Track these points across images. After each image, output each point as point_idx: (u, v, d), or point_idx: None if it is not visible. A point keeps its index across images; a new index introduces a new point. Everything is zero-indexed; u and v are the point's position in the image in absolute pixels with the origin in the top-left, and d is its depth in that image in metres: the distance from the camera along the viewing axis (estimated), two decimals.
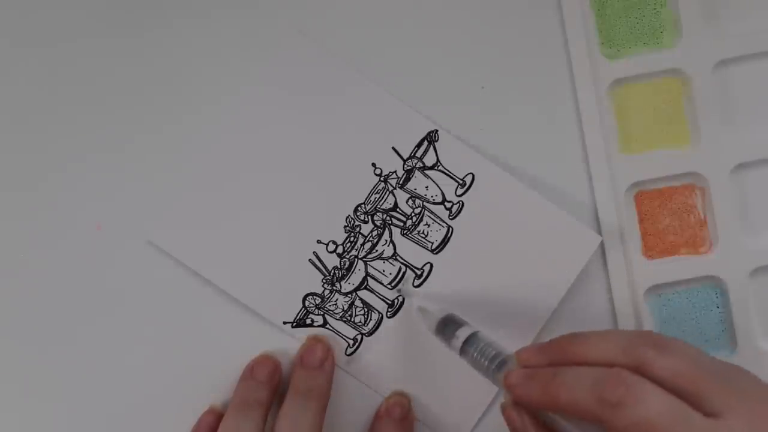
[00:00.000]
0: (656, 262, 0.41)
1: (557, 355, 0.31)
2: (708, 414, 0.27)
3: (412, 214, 0.41)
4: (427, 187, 0.41)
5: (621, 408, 0.27)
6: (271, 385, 0.39)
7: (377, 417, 0.40)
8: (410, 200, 0.41)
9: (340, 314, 0.41)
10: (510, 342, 0.40)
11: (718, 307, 0.41)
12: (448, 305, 0.39)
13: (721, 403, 0.27)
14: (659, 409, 0.27)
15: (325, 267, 0.41)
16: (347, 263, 0.41)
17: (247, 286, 0.41)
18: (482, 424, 0.41)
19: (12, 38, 0.42)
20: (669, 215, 0.41)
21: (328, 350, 0.40)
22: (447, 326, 0.37)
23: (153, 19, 0.41)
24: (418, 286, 0.41)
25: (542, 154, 0.41)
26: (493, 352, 0.34)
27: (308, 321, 0.41)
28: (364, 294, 0.41)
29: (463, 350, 0.35)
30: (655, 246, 0.41)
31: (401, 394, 0.41)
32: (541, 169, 0.41)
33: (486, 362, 0.34)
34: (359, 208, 0.41)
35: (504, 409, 0.32)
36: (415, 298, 0.40)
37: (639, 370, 0.28)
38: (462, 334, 0.35)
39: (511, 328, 0.41)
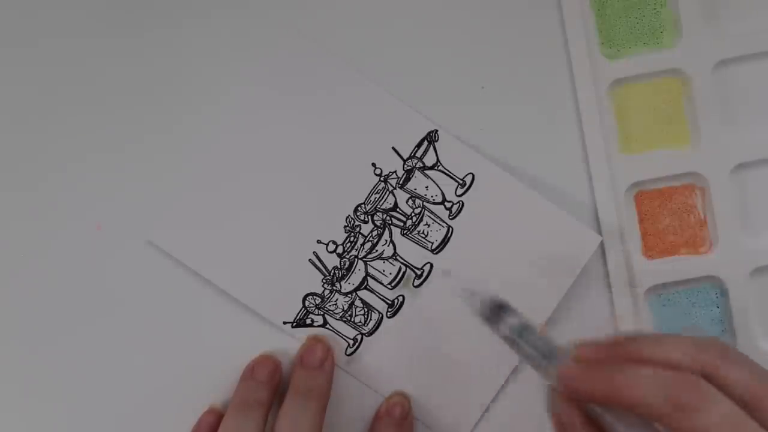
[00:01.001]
0: (656, 262, 0.41)
1: (618, 353, 0.31)
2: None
3: (412, 214, 0.41)
4: (427, 187, 0.41)
5: (690, 413, 0.27)
6: (271, 385, 0.39)
7: (377, 417, 0.40)
8: (410, 200, 0.41)
9: (340, 314, 0.41)
10: None
11: (718, 307, 0.41)
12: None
13: None
14: (725, 420, 0.27)
15: (325, 267, 0.41)
16: (347, 263, 0.41)
17: (247, 286, 0.41)
18: (482, 424, 0.41)
19: (12, 38, 0.42)
20: (669, 215, 0.41)
21: (328, 350, 0.40)
22: (495, 312, 0.35)
23: (152, 19, 0.41)
24: (418, 286, 0.41)
25: (542, 154, 0.41)
26: (542, 343, 0.33)
27: (308, 321, 0.41)
28: (364, 294, 0.41)
29: (510, 339, 0.34)
30: (655, 246, 0.41)
31: (401, 395, 0.41)
32: (541, 169, 0.41)
33: (534, 352, 0.33)
34: (359, 208, 0.41)
35: (552, 401, 0.31)
36: (458, 280, 0.40)
37: (704, 377, 0.28)
38: (512, 321, 0.34)
39: None
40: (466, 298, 0.37)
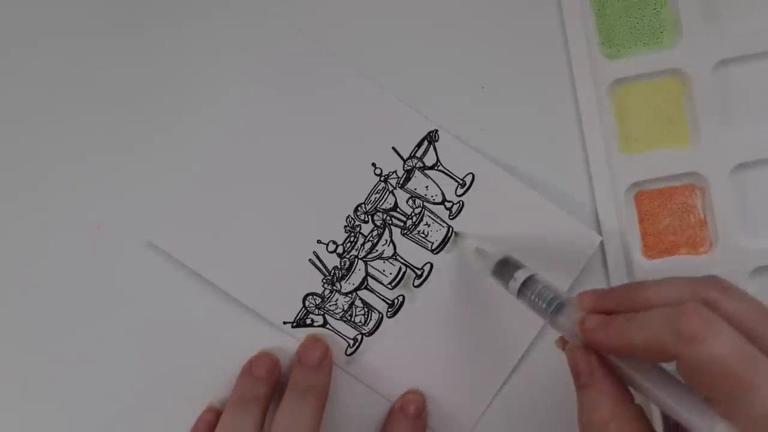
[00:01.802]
0: (656, 262, 0.41)
1: (622, 299, 0.31)
2: None
3: (412, 214, 0.41)
4: (427, 187, 0.41)
5: (696, 342, 0.27)
6: (269, 382, 0.40)
7: (391, 413, 0.40)
8: (410, 200, 0.41)
9: (340, 314, 0.41)
10: (510, 341, 0.41)
11: None
12: (456, 294, 0.40)
13: None
14: (732, 347, 0.27)
15: (325, 267, 0.41)
16: (347, 263, 0.41)
17: (247, 286, 0.41)
18: (483, 423, 0.41)
19: (12, 38, 0.42)
20: (669, 215, 0.41)
21: (326, 349, 0.40)
22: (505, 267, 0.36)
23: (152, 19, 0.41)
24: (418, 286, 0.41)
25: (542, 154, 0.41)
26: (551, 295, 0.33)
27: (308, 321, 0.41)
28: (364, 294, 0.41)
29: (520, 292, 0.35)
30: (655, 246, 0.41)
31: (416, 392, 0.41)
32: (541, 169, 0.41)
33: (544, 305, 0.33)
34: (359, 208, 0.41)
35: (572, 353, 0.31)
36: (471, 240, 0.40)
37: None
38: (520, 276, 0.35)
39: (510, 328, 0.41)
40: (478, 258, 0.38)
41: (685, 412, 0.28)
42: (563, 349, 0.33)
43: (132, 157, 0.41)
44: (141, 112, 0.41)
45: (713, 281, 0.30)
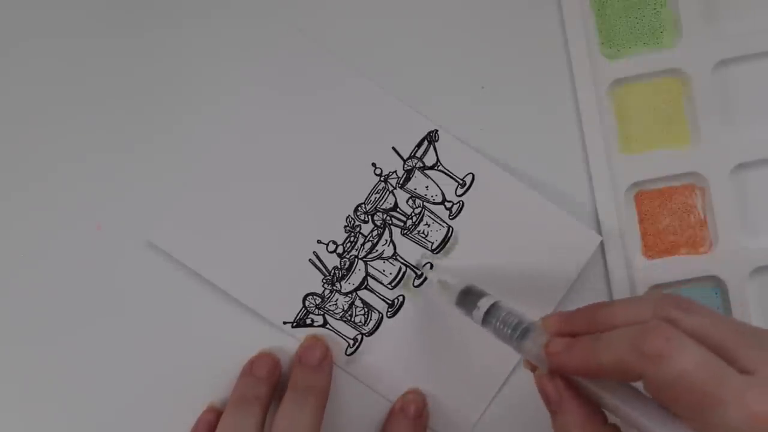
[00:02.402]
0: (656, 262, 0.41)
1: (585, 321, 0.31)
2: (741, 371, 0.27)
3: (412, 214, 0.41)
4: (427, 187, 0.41)
5: (661, 360, 0.27)
6: (270, 382, 0.40)
7: (392, 413, 0.40)
8: (410, 200, 0.41)
9: (340, 314, 0.41)
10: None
11: (718, 307, 0.41)
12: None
13: (754, 358, 0.27)
14: (698, 362, 0.27)
15: (325, 267, 0.41)
16: (347, 263, 0.41)
17: (247, 286, 0.41)
18: (482, 422, 0.41)
19: (12, 38, 0.42)
20: (669, 215, 0.41)
21: (327, 350, 0.40)
22: (467, 297, 0.36)
23: (152, 19, 0.41)
24: (418, 286, 0.41)
25: (542, 154, 0.41)
26: (516, 320, 0.33)
27: (308, 321, 0.41)
28: (364, 294, 0.41)
29: (485, 320, 0.35)
30: (655, 246, 0.41)
31: (416, 392, 0.41)
32: (541, 169, 0.41)
33: (509, 331, 0.33)
34: (359, 208, 0.41)
35: (539, 379, 0.32)
36: (435, 272, 0.40)
37: None
38: (483, 304, 0.35)
39: None
40: (441, 289, 0.39)
41: (656, 428, 0.28)
42: (532, 371, 0.33)
43: (132, 157, 0.41)
44: (141, 112, 0.41)
45: (674, 299, 0.30)
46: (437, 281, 0.40)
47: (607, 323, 0.30)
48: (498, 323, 0.34)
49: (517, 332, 0.33)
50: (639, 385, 0.29)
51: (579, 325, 0.31)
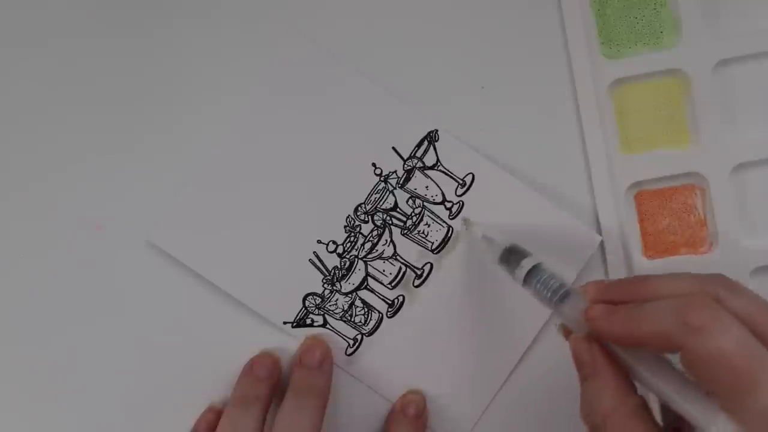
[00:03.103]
0: (656, 262, 0.41)
1: (628, 291, 0.31)
2: None
3: (412, 214, 0.41)
4: (427, 187, 0.41)
5: (703, 333, 0.27)
6: (270, 382, 0.40)
7: (392, 414, 0.41)
8: (410, 200, 0.41)
9: (340, 314, 0.41)
10: (510, 341, 0.41)
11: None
12: (455, 294, 0.40)
13: None
14: (739, 342, 0.26)
15: (325, 267, 0.41)
16: (347, 263, 0.41)
17: (247, 286, 0.41)
18: (483, 422, 0.41)
19: (11, 38, 0.42)
20: (669, 215, 0.41)
21: (327, 350, 0.40)
22: (512, 255, 0.36)
23: (152, 19, 0.41)
24: (418, 286, 0.41)
25: (542, 154, 0.41)
26: (557, 284, 0.33)
27: (308, 321, 0.41)
28: (364, 294, 0.41)
29: (526, 280, 0.35)
30: (655, 246, 0.41)
31: (416, 393, 0.41)
32: (541, 169, 0.41)
33: (549, 293, 0.33)
34: (359, 208, 0.41)
35: (574, 342, 0.31)
36: (477, 227, 0.40)
37: None
38: (526, 264, 0.35)
39: (510, 328, 0.41)
40: (485, 245, 0.39)
41: (686, 403, 0.28)
42: (566, 337, 0.33)
43: (132, 157, 0.41)
44: (141, 112, 0.41)
45: (720, 278, 0.30)
46: (482, 236, 0.39)
47: (651, 294, 0.30)
48: (538, 285, 0.34)
49: (557, 296, 0.33)
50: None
51: (621, 294, 0.31)
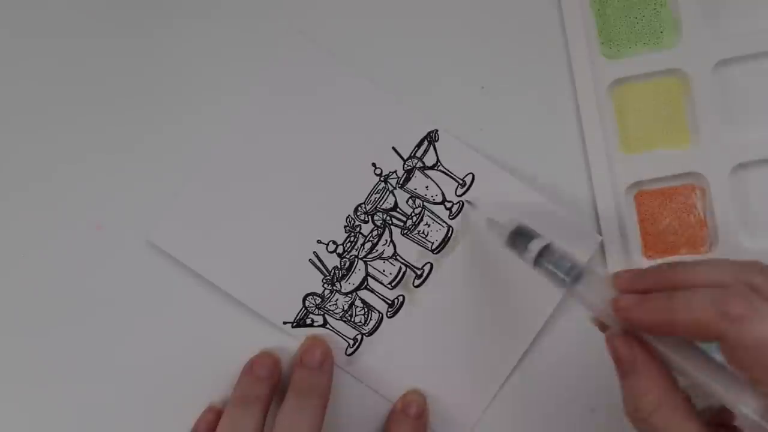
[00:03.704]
0: (656, 262, 0.41)
1: (660, 280, 0.31)
2: None
3: (412, 214, 0.41)
4: (427, 187, 0.41)
5: (743, 322, 0.27)
6: (270, 382, 0.40)
7: (393, 414, 0.41)
8: (410, 200, 0.41)
9: (340, 314, 0.41)
10: (510, 341, 0.41)
11: None
12: (455, 294, 0.40)
13: None
14: None
15: (325, 267, 0.41)
16: (347, 263, 0.41)
17: (247, 286, 0.41)
18: (483, 422, 0.41)
19: (11, 38, 0.42)
20: (669, 215, 0.41)
21: (328, 350, 0.40)
22: (518, 238, 0.36)
23: (152, 19, 0.41)
24: (419, 286, 0.41)
25: (542, 154, 0.41)
26: (569, 264, 0.33)
27: (308, 321, 0.41)
28: (364, 294, 0.41)
29: (536, 263, 0.34)
30: (655, 246, 0.41)
31: (417, 393, 0.41)
32: (541, 169, 0.41)
33: (561, 274, 0.33)
34: (359, 208, 0.41)
35: (610, 339, 0.31)
36: (483, 210, 0.40)
37: None
38: (534, 246, 0.35)
39: (510, 328, 0.41)
40: (491, 228, 0.38)
41: (715, 384, 0.28)
42: (602, 331, 0.32)
43: (132, 157, 0.41)
44: (141, 112, 0.41)
45: (757, 265, 0.30)
46: (486, 219, 0.39)
47: (686, 282, 0.30)
48: (550, 266, 0.34)
49: (569, 276, 0.33)
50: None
51: (653, 283, 0.31)
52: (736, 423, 0.28)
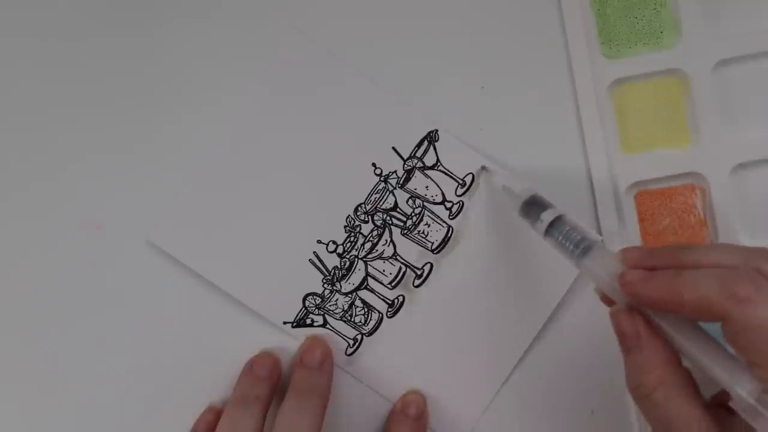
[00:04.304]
0: None
1: (669, 258, 0.31)
2: None
3: (412, 214, 0.41)
4: (427, 187, 0.41)
5: (749, 304, 0.27)
6: (270, 382, 0.40)
7: (393, 414, 0.41)
8: (410, 200, 0.41)
9: (340, 314, 0.41)
10: (510, 341, 0.41)
11: None
12: (455, 294, 0.39)
13: None
14: None
15: (325, 267, 0.41)
16: (347, 263, 0.41)
17: (247, 286, 0.41)
18: (483, 422, 0.41)
19: (12, 38, 0.42)
20: (669, 215, 0.41)
21: (328, 350, 0.40)
22: (531, 208, 0.36)
23: (152, 19, 0.41)
24: (419, 286, 0.41)
25: (542, 154, 0.41)
26: (579, 237, 0.33)
27: (308, 321, 0.41)
28: (364, 294, 0.41)
29: (547, 233, 0.35)
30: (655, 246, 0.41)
31: (417, 393, 0.41)
32: (541, 169, 0.41)
33: (572, 246, 0.33)
34: (359, 208, 0.41)
35: (615, 314, 0.31)
36: (499, 177, 0.40)
37: None
38: (546, 217, 0.35)
39: (510, 328, 0.41)
40: (505, 195, 0.38)
41: (713, 364, 0.28)
42: (608, 305, 0.32)
43: (132, 157, 0.41)
44: (141, 113, 0.41)
45: (764, 251, 0.30)
46: (502, 186, 0.39)
47: (693, 263, 0.30)
48: (561, 237, 0.34)
49: (579, 249, 0.33)
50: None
51: (661, 261, 0.31)
52: (731, 404, 0.28)
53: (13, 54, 0.42)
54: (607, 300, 0.33)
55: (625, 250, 0.32)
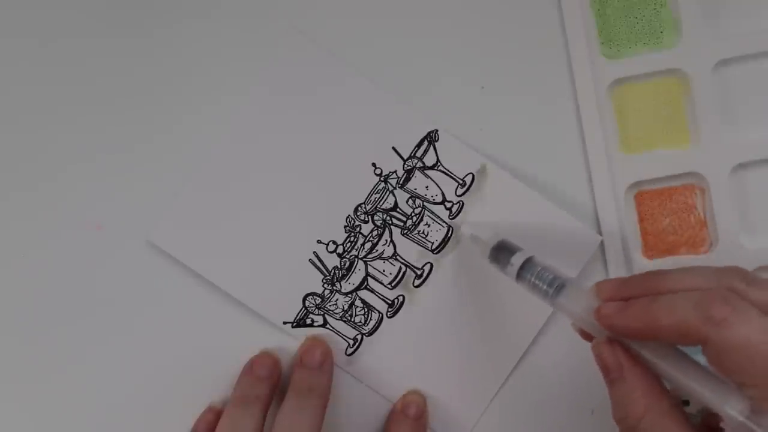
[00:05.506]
0: (656, 263, 0.41)
1: (642, 286, 0.31)
2: None
3: (412, 214, 0.41)
4: (427, 187, 0.41)
5: (726, 326, 0.27)
6: (270, 382, 0.40)
7: (393, 414, 0.41)
8: (410, 200, 0.41)
9: (340, 314, 0.41)
10: (510, 341, 0.41)
11: None
12: (456, 294, 0.40)
13: None
14: (762, 330, 0.27)
15: (325, 267, 0.41)
16: (347, 263, 0.41)
17: (247, 286, 0.41)
18: (483, 422, 0.41)
19: (12, 38, 0.42)
20: (669, 215, 0.41)
21: (328, 350, 0.40)
22: (500, 253, 0.36)
23: (152, 19, 0.41)
24: (419, 286, 0.41)
25: (542, 154, 0.41)
26: (551, 276, 0.33)
27: (308, 321, 0.41)
28: (364, 294, 0.41)
29: (519, 276, 0.35)
30: (655, 246, 0.41)
31: (417, 393, 0.41)
32: (541, 169, 0.41)
33: (545, 287, 0.33)
34: (359, 208, 0.41)
35: (596, 347, 0.31)
36: (465, 226, 0.40)
37: None
38: (516, 260, 0.35)
39: (510, 328, 0.41)
40: (474, 245, 0.39)
41: (700, 387, 0.28)
42: (588, 340, 0.32)
43: (132, 157, 0.41)
44: (141, 112, 0.41)
45: (738, 271, 0.30)
46: (470, 235, 0.39)
47: (668, 288, 0.30)
48: (533, 278, 0.34)
49: (553, 288, 0.33)
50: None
51: (634, 290, 0.31)
52: (722, 425, 0.28)
53: (13, 54, 0.42)
54: (586, 335, 0.33)
55: (598, 284, 0.32)
